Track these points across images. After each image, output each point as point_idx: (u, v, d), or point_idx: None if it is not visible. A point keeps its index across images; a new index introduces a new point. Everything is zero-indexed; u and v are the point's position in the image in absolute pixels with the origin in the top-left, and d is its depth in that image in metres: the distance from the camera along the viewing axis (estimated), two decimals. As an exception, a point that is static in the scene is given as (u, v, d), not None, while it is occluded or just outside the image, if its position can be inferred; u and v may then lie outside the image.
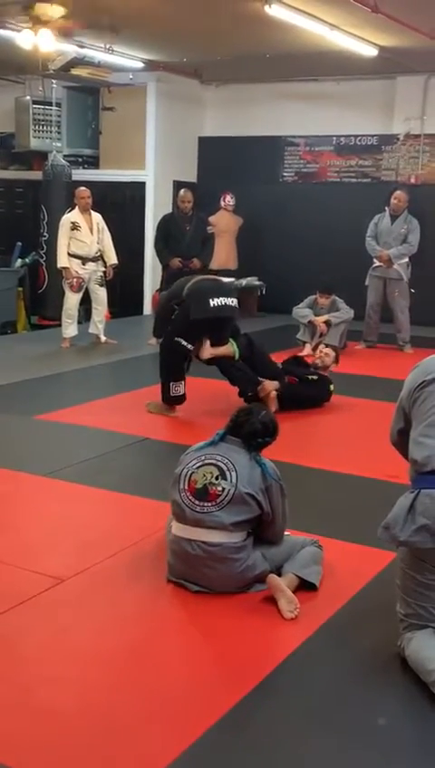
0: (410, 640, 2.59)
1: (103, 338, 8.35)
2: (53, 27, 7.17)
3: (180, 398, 5.70)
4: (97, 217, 8.16)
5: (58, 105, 10.41)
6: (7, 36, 7.81)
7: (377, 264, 8.50)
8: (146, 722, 2.33)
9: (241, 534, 3.09)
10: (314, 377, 6.13)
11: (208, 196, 9.99)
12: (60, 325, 8.34)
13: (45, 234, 9.79)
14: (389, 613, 2.74)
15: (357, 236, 8.71)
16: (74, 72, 9.13)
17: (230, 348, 5.71)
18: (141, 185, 10.71)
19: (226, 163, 10.85)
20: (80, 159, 10.92)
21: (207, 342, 5.56)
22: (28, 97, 10.37)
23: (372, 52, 8.38)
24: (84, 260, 8.09)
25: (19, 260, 10.59)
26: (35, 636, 2.80)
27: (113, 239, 8.27)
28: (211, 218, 9.49)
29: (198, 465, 3.14)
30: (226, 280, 6.99)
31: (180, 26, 7.98)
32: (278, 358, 6.37)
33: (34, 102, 10.30)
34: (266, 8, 6.80)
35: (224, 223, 10.05)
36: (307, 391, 5.99)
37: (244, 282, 10.18)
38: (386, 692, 2.52)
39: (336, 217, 10.23)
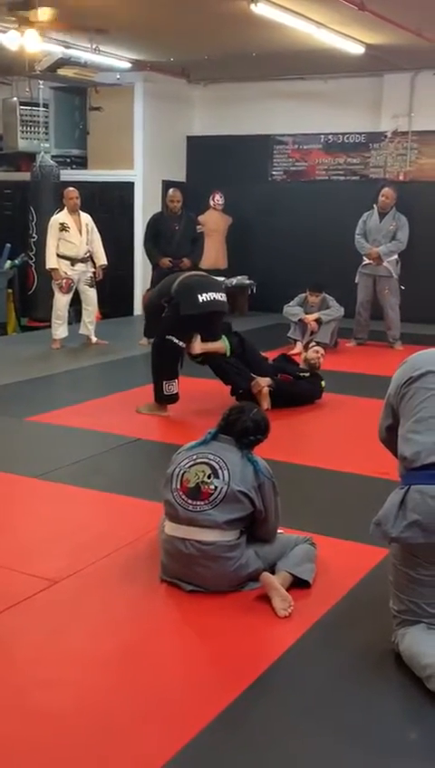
0: (404, 636, 2.60)
1: (94, 339, 8.34)
2: (39, 28, 7.14)
3: (173, 398, 5.69)
4: (86, 218, 8.14)
5: (45, 106, 10.38)
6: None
7: (367, 261, 8.51)
8: (141, 722, 2.33)
9: (234, 533, 3.09)
10: (307, 374, 6.15)
11: (197, 196, 9.98)
12: (50, 326, 8.32)
13: (34, 235, 9.77)
14: (382, 610, 2.75)
15: (346, 234, 8.72)
16: (61, 72, 9.11)
17: (222, 344, 5.72)
18: (130, 185, 10.70)
19: (214, 162, 10.85)
20: (68, 160, 10.89)
21: (198, 338, 5.56)
22: (15, 98, 10.33)
23: (358, 49, 8.39)
24: (73, 261, 8.07)
25: (8, 261, 10.56)
26: (29, 638, 2.79)
27: (102, 239, 8.26)
28: (200, 218, 9.49)
29: (190, 464, 3.14)
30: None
31: (167, 26, 7.98)
32: (269, 356, 6.39)
33: (21, 103, 10.27)
34: (253, 7, 6.80)
35: (213, 222, 10.05)
36: (301, 390, 6.01)
37: (234, 281, 10.19)
38: (380, 688, 2.53)
39: (325, 215, 10.24)
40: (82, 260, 8.13)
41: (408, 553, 2.58)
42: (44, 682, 2.54)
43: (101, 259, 8.21)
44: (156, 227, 8.48)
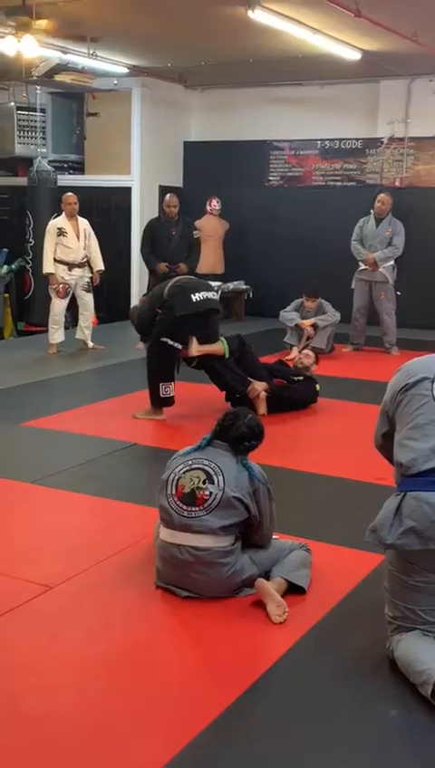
0: (399, 642, 2.60)
1: (90, 343, 8.34)
2: (36, 34, 7.16)
3: (169, 401, 5.69)
4: (84, 223, 8.15)
5: (42, 111, 10.40)
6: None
7: (363, 267, 8.52)
8: (137, 727, 2.33)
9: (229, 538, 3.09)
10: (301, 377, 6.16)
11: (194, 201, 10.00)
12: (47, 331, 8.32)
13: (31, 240, 9.78)
14: (377, 616, 2.75)
15: (343, 240, 8.74)
16: (58, 77, 9.13)
17: (220, 346, 5.71)
18: (127, 190, 10.71)
19: (211, 168, 10.87)
20: (65, 165, 10.91)
21: (194, 340, 5.57)
22: (12, 103, 10.35)
23: (355, 56, 8.41)
24: (71, 266, 8.08)
25: (5, 266, 10.57)
26: (24, 643, 2.79)
27: (100, 244, 8.27)
28: (197, 223, 9.50)
29: (185, 469, 3.14)
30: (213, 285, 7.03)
31: (164, 32, 8.00)
32: (265, 362, 6.40)
33: (18, 108, 10.29)
34: (249, 13, 6.81)
35: (210, 227, 10.06)
36: (295, 394, 6.01)
37: (231, 286, 10.20)
38: (375, 694, 2.53)
39: (322, 221, 10.26)
40: (80, 265, 8.14)
41: (403, 560, 2.58)
42: (40, 688, 2.53)
43: (99, 264, 8.22)
44: (153, 232, 8.49)
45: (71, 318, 8.69)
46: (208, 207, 10.14)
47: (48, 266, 8.00)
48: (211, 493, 3.05)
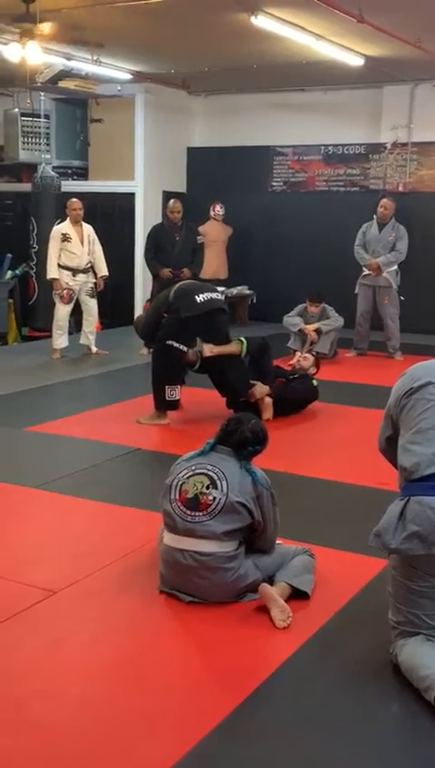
0: (403, 647, 2.60)
1: (94, 349, 8.35)
2: (40, 40, 7.19)
3: (174, 404, 5.68)
4: (88, 229, 8.17)
5: (46, 117, 10.42)
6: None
7: (366, 272, 8.53)
8: (141, 732, 2.33)
9: (233, 543, 3.09)
10: (296, 375, 6.19)
11: (198, 206, 10.01)
12: (50, 336, 8.33)
13: (35, 245, 9.79)
14: (381, 621, 2.75)
15: (346, 245, 8.75)
16: (62, 84, 9.17)
17: (237, 346, 5.69)
18: (131, 195, 10.73)
19: (215, 173, 10.88)
20: (69, 171, 10.93)
21: (200, 343, 5.58)
22: (16, 109, 10.38)
23: (358, 61, 8.43)
24: (75, 271, 8.10)
25: (9, 272, 10.59)
26: (28, 649, 2.79)
27: (103, 250, 8.28)
28: (201, 228, 9.52)
29: (188, 474, 3.14)
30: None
31: (167, 38, 8.02)
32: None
33: (23, 115, 10.32)
34: (253, 19, 6.83)
35: (214, 232, 10.07)
36: (294, 393, 6.01)
37: (234, 291, 10.20)
38: (379, 699, 2.53)
39: (325, 226, 10.26)
40: (84, 270, 8.15)
41: (407, 565, 2.58)
42: (44, 693, 2.53)
43: (103, 270, 8.24)
44: (156, 238, 8.51)
45: (74, 323, 8.70)
46: (212, 213, 10.15)
47: (52, 272, 8.02)
48: (215, 498, 3.05)
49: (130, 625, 2.99)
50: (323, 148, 10.56)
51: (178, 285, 5.80)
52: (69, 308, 8.17)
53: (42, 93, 9.87)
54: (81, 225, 8.11)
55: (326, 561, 3.35)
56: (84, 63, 8.78)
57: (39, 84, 8.87)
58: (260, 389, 5.72)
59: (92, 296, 8.28)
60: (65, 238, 8.00)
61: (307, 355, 6.74)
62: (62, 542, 3.69)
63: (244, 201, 10.56)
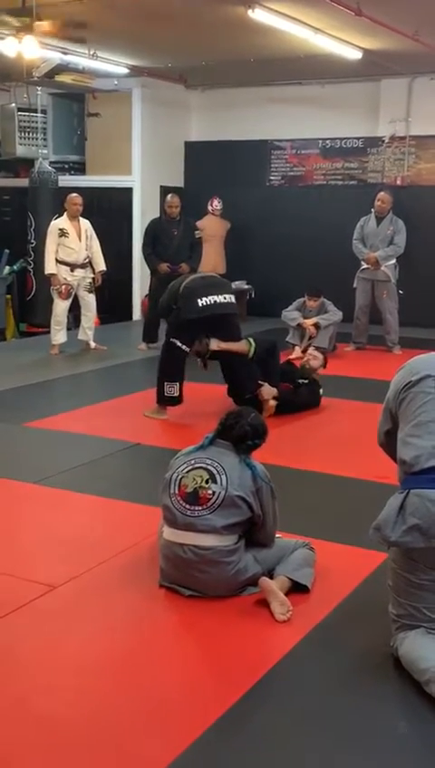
0: (403, 640, 2.60)
1: (93, 344, 8.34)
2: (38, 35, 7.16)
3: (174, 400, 5.68)
4: (85, 224, 8.15)
5: (43, 112, 10.39)
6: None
7: (365, 266, 8.52)
8: (141, 727, 2.33)
9: (232, 537, 3.09)
10: (306, 380, 6.16)
11: (196, 201, 9.98)
12: (49, 332, 8.32)
13: (33, 241, 9.77)
14: (381, 614, 2.75)
15: (344, 239, 8.73)
16: (59, 78, 9.12)
17: (245, 345, 5.68)
18: (128, 190, 10.70)
19: (212, 167, 10.86)
20: (66, 166, 10.91)
21: (208, 339, 5.56)
22: (13, 104, 10.35)
23: (356, 54, 8.41)
24: (73, 267, 8.08)
25: (7, 267, 10.57)
26: (28, 644, 2.79)
27: (101, 245, 8.26)
28: (199, 223, 9.48)
29: (187, 469, 3.14)
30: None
31: (164, 32, 7.99)
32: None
33: (20, 110, 10.28)
34: (250, 12, 6.81)
35: (212, 227, 10.05)
36: (301, 399, 6.02)
37: (232, 286, 10.18)
38: (380, 692, 2.53)
39: (323, 220, 10.24)
40: (82, 266, 8.14)
41: (407, 558, 2.58)
42: (44, 688, 2.53)
43: (100, 265, 8.22)
44: (154, 233, 8.49)
45: (73, 319, 8.69)
46: (210, 207, 10.13)
47: (50, 267, 8.00)
48: (214, 492, 3.05)
49: (130, 619, 2.99)
50: (320, 141, 10.54)
51: (190, 279, 5.75)
52: (67, 303, 8.15)
53: (38, 88, 9.84)
54: (78, 221, 8.10)
55: (326, 555, 3.36)
56: (81, 58, 8.75)
57: (36, 79, 8.84)
58: (268, 391, 5.71)
59: (91, 291, 8.26)
60: (63, 233, 7.98)
61: (317, 354, 6.67)
62: (62, 537, 3.69)
63: (242, 195, 10.55)
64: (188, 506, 3.07)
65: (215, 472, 3.09)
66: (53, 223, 8.10)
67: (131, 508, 4.01)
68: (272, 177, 10.93)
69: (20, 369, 7.51)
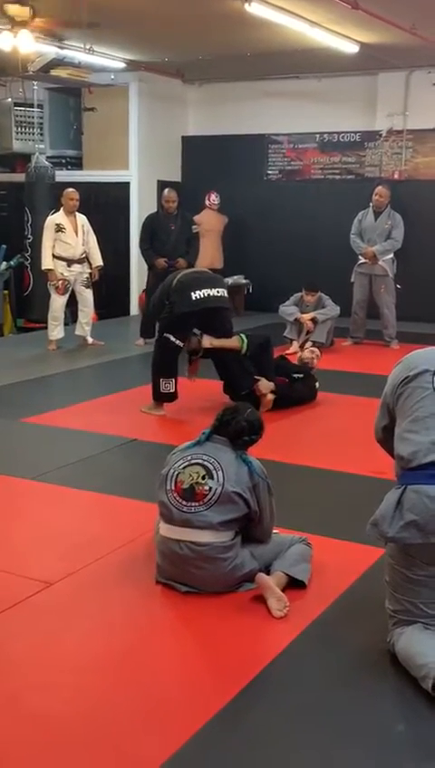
0: (400, 636, 2.60)
1: (90, 339, 8.33)
2: (31, 27, 7.13)
3: (170, 396, 5.67)
4: (82, 219, 8.13)
5: (40, 107, 10.37)
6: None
7: (362, 260, 8.51)
8: (138, 723, 2.32)
9: (229, 533, 3.08)
10: (301, 375, 6.15)
11: (193, 196, 9.97)
12: (46, 328, 8.31)
13: (30, 236, 9.75)
14: (378, 609, 2.74)
15: (342, 233, 8.72)
16: (54, 72, 9.08)
17: (237, 342, 5.66)
18: (125, 185, 10.68)
19: (210, 162, 10.83)
20: (63, 161, 10.88)
21: (198, 335, 5.55)
22: (9, 99, 10.32)
23: (353, 48, 8.38)
24: (70, 262, 8.06)
25: (4, 263, 10.54)
26: (24, 641, 2.78)
27: (98, 240, 8.25)
28: (196, 217, 9.47)
29: (184, 465, 3.13)
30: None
31: (161, 26, 7.96)
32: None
33: (16, 104, 10.26)
34: (246, 6, 6.78)
35: (209, 222, 10.03)
36: (297, 393, 6.01)
37: (230, 280, 10.17)
38: (377, 688, 2.53)
39: (321, 215, 10.23)
40: (79, 261, 8.12)
41: (404, 553, 2.58)
42: (40, 685, 2.53)
43: (97, 260, 8.20)
44: (151, 227, 8.47)
45: (70, 314, 8.68)
46: (207, 202, 10.12)
47: (47, 262, 7.98)
48: (211, 488, 3.04)
49: (127, 616, 2.98)
50: (318, 136, 10.51)
51: (182, 274, 5.73)
52: (64, 299, 8.14)
53: (34, 82, 9.81)
54: (75, 216, 8.07)
55: (323, 551, 3.35)
56: (77, 52, 8.71)
57: (31, 73, 8.80)
58: (266, 385, 5.70)
59: (88, 287, 8.25)
60: (59, 228, 7.96)
61: (313, 348, 6.68)
62: (58, 533, 3.68)
63: (239, 190, 10.53)
64: (184, 502, 3.06)
65: (211, 468, 3.08)
66: (49, 218, 8.08)
67: (128, 504, 4.01)
68: (269, 172, 10.91)
69: (17, 364, 7.50)
